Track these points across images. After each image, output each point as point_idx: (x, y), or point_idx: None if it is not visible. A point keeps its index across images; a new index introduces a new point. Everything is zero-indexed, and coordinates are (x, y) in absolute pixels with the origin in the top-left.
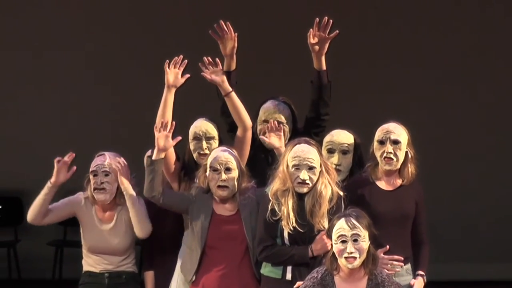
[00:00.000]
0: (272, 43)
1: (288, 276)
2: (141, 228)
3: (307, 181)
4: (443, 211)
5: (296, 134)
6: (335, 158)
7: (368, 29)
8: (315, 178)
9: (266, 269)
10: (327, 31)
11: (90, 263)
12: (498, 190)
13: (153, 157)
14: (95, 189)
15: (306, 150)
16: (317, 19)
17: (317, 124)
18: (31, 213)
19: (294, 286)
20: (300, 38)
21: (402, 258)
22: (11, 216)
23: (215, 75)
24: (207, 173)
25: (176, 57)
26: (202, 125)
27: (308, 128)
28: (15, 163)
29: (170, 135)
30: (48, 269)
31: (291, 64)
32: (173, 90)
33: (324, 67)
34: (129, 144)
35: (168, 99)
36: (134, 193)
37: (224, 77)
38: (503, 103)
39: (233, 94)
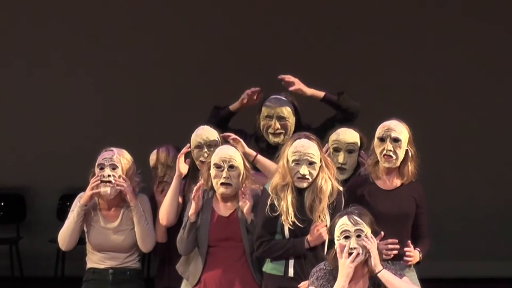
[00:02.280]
0: (276, 41)
1: (291, 273)
2: (145, 245)
3: (307, 176)
4: (444, 209)
5: (300, 128)
6: (341, 157)
7: (371, 28)
8: (315, 173)
9: (268, 267)
10: (292, 83)
11: (94, 260)
12: (499, 189)
13: (193, 220)
14: (101, 181)
15: (306, 145)
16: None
17: (348, 119)
18: (69, 242)
19: (299, 286)
20: (304, 37)
21: (397, 241)
22: (14, 213)
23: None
24: (211, 171)
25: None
26: (203, 133)
27: (326, 125)
28: (17, 161)
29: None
30: (50, 266)
31: (295, 63)
32: (181, 178)
33: (322, 94)
34: (133, 141)
35: (177, 187)
36: (141, 210)
37: (245, 146)
38: (505, 102)
39: (259, 157)
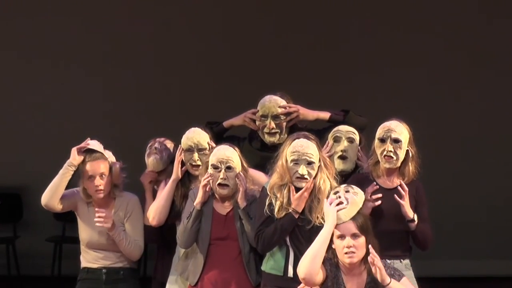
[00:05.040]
0: (275, 41)
1: (290, 273)
2: (131, 258)
3: (305, 176)
4: (442, 208)
5: (297, 130)
6: (341, 145)
7: (369, 30)
8: (313, 173)
9: (268, 266)
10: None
11: (88, 259)
12: (497, 187)
13: (199, 207)
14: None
15: (305, 145)
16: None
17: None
18: (47, 195)
19: (298, 287)
20: (304, 36)
21: (374, 183)
22: (10, 212)
23: None
24: (208, 171)
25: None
26: (194, 137)
27: (326, 130)
28: (14, 160)
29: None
30: (47, 265)
31: (295, 63)
32: (177, 181)
33: (327, 115)
34: (130, 142)
35: (172, 189)
36: (121, 234)
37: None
38: (505, 101)
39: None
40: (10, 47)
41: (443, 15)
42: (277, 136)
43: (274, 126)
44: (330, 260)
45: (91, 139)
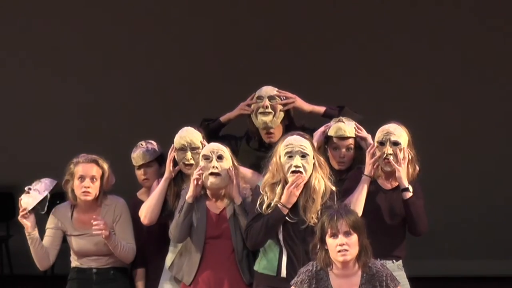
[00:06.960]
0: (270, 43)
1: (283, 273)
2: (126, 261)
3: (300, 169)
4: (440, 209)
5: (291, 128)
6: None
7: (367, 31)
8: (308, 167)
9: (261, 266)
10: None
11: (80, 262)
12: (496, 187)
13: (190, 200)
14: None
15: (298, 139)
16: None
17: None
18: (39, 263)
19: None
20: (304, 36)
21: (367, 136)
22: (3, 212)
23: None
24: (200, 163)
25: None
26: (187, 136)
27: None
28: (7, 158)
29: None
30: None
31: (294, 62)
32: (169, 180)
33: (322, 109)
34: (121, 142)
35: (164, 188)
36: (115, 240)
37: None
38: (503, 101)
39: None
40: (4, 47)
41: (442, 17)
42: (270, 117)
43: (268, 105)
44: (309, 271)
45: (22, 197)
